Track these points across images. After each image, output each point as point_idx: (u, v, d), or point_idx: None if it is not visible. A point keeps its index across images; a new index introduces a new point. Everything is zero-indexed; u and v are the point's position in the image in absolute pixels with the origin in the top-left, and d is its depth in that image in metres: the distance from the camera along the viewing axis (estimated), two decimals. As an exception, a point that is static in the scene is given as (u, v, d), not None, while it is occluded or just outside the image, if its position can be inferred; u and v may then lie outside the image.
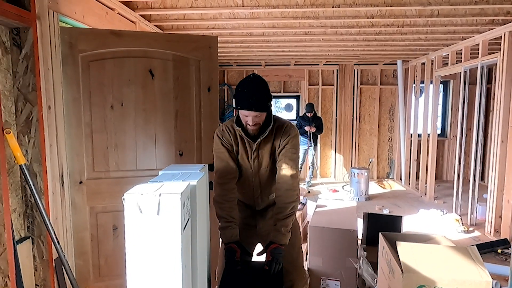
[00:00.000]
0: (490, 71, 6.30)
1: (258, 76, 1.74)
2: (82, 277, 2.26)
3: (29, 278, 1.92)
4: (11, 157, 1.75)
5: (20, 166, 1.72)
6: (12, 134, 1.65)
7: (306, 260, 2.76)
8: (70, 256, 2.17)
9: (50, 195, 1.96)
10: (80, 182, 2.22)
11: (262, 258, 2.06)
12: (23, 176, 1.82)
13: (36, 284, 1.96)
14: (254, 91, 1.66)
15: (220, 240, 1.89)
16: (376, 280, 2.53)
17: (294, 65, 6.77)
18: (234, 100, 1.71)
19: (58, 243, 1.86)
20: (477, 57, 4.26)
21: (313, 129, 5.95)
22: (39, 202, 1.78)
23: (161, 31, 3.85)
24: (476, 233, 4.08)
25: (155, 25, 3.67)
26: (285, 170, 1.78)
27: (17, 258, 1.71)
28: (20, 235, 1.90)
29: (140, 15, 3.28)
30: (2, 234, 1.62)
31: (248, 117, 1.68)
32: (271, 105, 1.76)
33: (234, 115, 1.80)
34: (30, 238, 1.94)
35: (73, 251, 2.21)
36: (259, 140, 1.77)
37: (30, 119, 1.85)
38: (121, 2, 2.88)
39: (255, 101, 1.65)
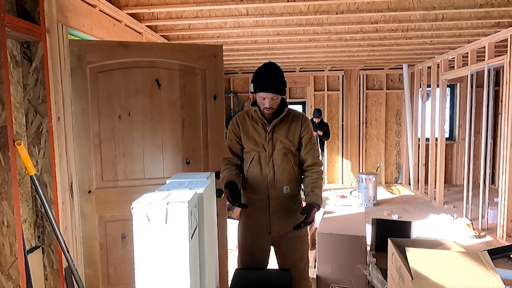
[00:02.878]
0: (498, 73, 6.24)
1: (275, 63, 1.89)
2: (92, 286, 2.27)
3: (40, 288, 1.94)
4: (22, 167, 1.78)
5: (31, 176, 1.75)
6: (23, 145, 1.68)
7: (315, 267, 2.74)
8: (80, 265, 2.19)
9: (60, 205, 1.98)
10: (89, 192, 2.24)
11: (275, 265, 2.06)
12: (33, 187, 1.85)
13: (46, 294, 1.98)
14: (271, 75, 1.83)
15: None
16: (386, 287, 2.50)
17: (299, 71, 6.80)
18: (252, 85, 1.87)
19: (68, 252, 1.88)
20: (484, 59, 4.23)
21: (320, 133, 5.94)
22: (49, 212, 1.80)
23: (167, 41, 3.90)
24: (488, 238, 4.01)
25: (161, 35, 3.72)
26: (316, 153, 2.00)
27: (28, 268, 1.73)
28: (31, 245, 1.93)
29: (147, 26, 3.34)
30: (13, 244, 1.65)
31: (266, 99, 1.82)
32: (285, 90, 1.91)
33: (252, 98, 1.98)
34: (41, 247, 1.96)
35: (82, 260, 2.22)
36: (274, 121, 1.90)
37: (40, 130, 1.88)
38: (127, 14, 2.93)
39: (272, 83, 1.81)
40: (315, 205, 1.85)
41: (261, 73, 1.84)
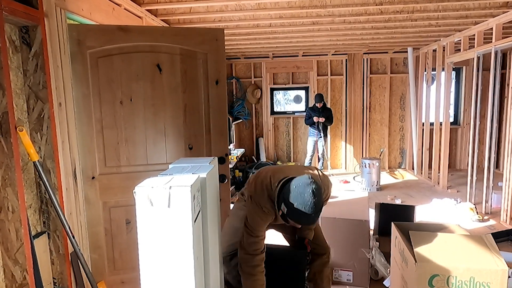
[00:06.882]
0: (505, 56, 6.12)
1: (316, 187, 1.61)
2: (98, 270, 2.30)
3: (47, 272, 1.96)
4: (25, 154, 1.78)
5: (34, 162, 1.75)
6: (25, 132, 1.68)
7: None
8: (86, 250, 2.21)
9: (64, 191, 1.99)
10: (93, 178, 2.25)
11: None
12: (37, 173, 1.85)
13: (53, 278, 2.01)
14: (314, 212, 1.60)
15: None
16: (389, 270, 2.51)
17: (302, 56, 6.71)
18: (283, 205, 1.64)
19: (73, 237, 1.90)
20: (491, 41, 4.14)
21: (322, 120, 5.90)
22: (53, 198, 1.81)
23: (168, 26, 3.84)
24: (491, 222, 4.01)
25: (162, 20, 3.66)
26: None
27: (34, 253, 1.75)
28: (37, 230, 1.95)
29: (147, 10, 3.28)
30: (19, 229, 1.66)
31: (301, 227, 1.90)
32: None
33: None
34: (46, 233, 1.98)
35: (88, 245, 2.25)
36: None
37: (42, 116, 1.88)
38: (127, -3, 2.87)
39: (313, 220, 1.66)
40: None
41: (303, 206, 1.58)
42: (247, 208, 1.89)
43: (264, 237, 1.89)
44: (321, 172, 2.03)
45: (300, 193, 1.57)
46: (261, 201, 1.80)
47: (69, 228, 1.88)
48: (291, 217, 1.63)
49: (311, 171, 1.96)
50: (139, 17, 3.17)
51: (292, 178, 1.71)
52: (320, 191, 1.63)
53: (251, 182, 1.98)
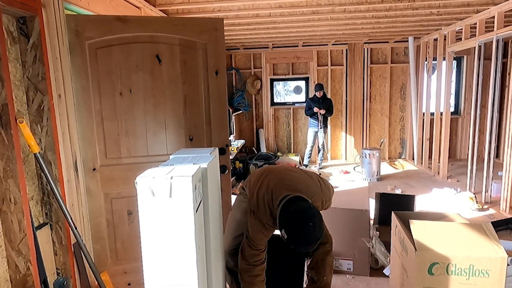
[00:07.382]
0: (506, 44, 6.07)
1: (316, 221, 1.63)
2: (100, 261, 2.32)
3: (50, 263, 1.98)
4: (26, 146, 1.78)
5: (35, 154, 1.75)
6: (25, 123, 1.67)
7: (319, 240, 2.78)
8: (88, 241, 2.23)
9: (65, 182, 2.00)
10: (94, 169, 2.26)
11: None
12: (38, 165, 1.86)
13: (56, 268, 2.03)
14: (313, 243, 1.66)
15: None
16: (389, 259, 2.54)
17: (302, 46, 6.66)
18: (286, 236, 1.63)
19: (76, 228, 1.91)
20: (493, 30, 4.10)
21: (323, 111, 5.89)
22: (55, 189, 1.82)
23: (167, 16, 3.81)
24: (491, 211, 4.03)
25: (160, 10, 3.63)
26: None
27: (37, 244, 1.77)
28: (39, 222, 1.96)
29: (145, 0, 3.24)
30: (21, 220, 1.67)
31: None
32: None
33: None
34: (49, 224, 1.99)
35: (90, 236, 2.27)
36: None
37: (41, 108, 1.87)
38: (125, -13, 2.84)
39: (312, 249, 1.79)
40: None
41: (301, 236, 1.63)
42: (249, 221, 1.88)
43: (265, 248, 1.90)
44: (323, 181, 2.02)
45: (300, 227, 1.61)
46: (263, 219, 1.82)
47: (71, 219, 1.89)
48: (290, 245, 1.66)
49: (312, 179, 1.97)
50: (138, 7, 3.14)
51: (293, 200, 1.70)
52: (320, 222, 1.66)
53: (252, 189, 1.93)
